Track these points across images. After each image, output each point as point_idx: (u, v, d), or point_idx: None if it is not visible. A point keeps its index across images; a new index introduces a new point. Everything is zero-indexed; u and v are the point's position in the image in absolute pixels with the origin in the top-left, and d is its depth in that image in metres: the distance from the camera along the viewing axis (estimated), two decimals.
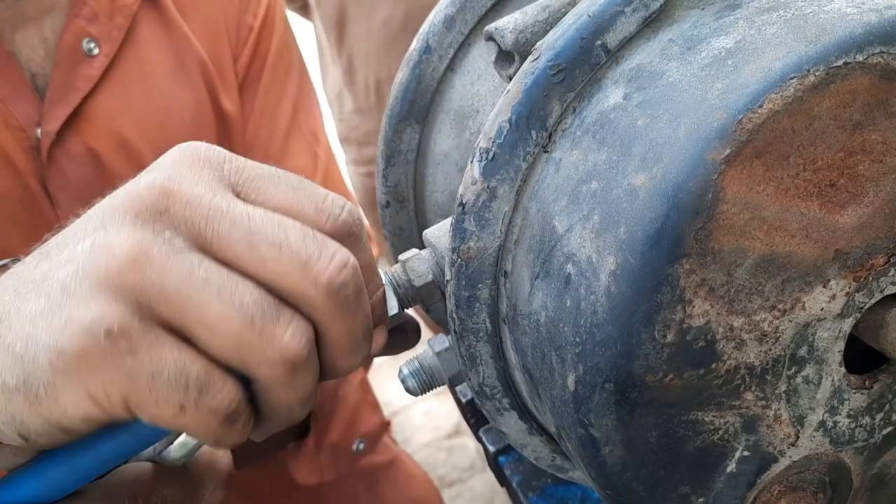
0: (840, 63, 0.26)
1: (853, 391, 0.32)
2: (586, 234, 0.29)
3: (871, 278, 0.30)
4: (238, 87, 0.73)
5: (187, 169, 0.30)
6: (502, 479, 0.51)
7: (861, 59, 0.26)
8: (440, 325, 0.50)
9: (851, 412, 0.32)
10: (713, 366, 0.29)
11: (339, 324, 0.30)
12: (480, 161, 0.33)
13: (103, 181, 0.66)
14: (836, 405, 0.32)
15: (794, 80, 0.26)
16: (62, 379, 0.27)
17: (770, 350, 0.29)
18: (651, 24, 0.32)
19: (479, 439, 0.53)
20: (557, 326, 0.30)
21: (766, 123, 0.26)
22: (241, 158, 0.32)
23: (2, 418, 0.28)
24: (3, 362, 0.27)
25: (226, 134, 0.71)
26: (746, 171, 0.26)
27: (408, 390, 0.43)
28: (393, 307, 0.37)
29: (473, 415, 0.54)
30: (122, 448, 0.31)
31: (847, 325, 0.30)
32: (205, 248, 0.28)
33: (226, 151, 0.32)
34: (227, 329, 0.27)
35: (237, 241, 0.28)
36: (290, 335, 0.28)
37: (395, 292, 0.38)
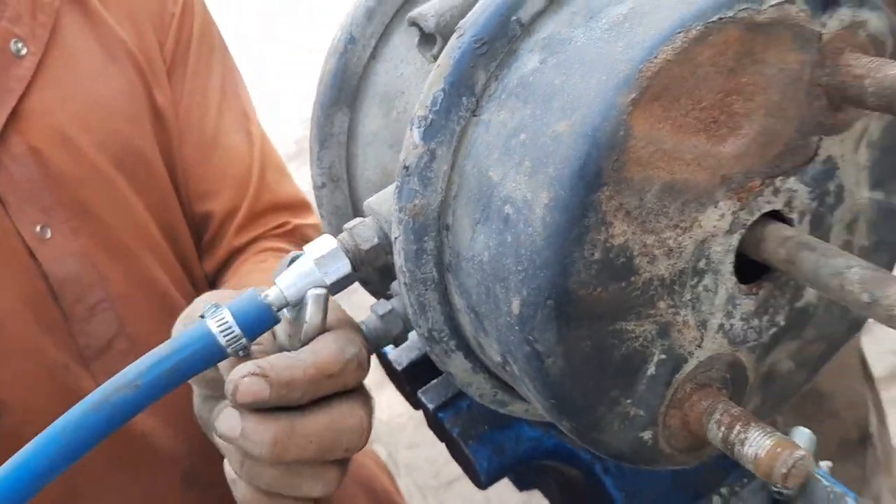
0: (715, 18, 0.32)
1: (743, 297, 0.38)
2: (520, 178, 0.34)
3: (750, 199, 0.36)
4: (166, 72, 0.75)
5: None
6: (443, 434, 0.56)
7: (731, 14, 0.33)
8: (375, 296, 0.54)
9: (743, 315, 0.39)
10: (632, 279, 0.34)
11: None
12: (419, 127, 0.37)
13: (49, 179, 0.67)
14: (730, 310, 0.38)
15: (680, 35, 0.32)
16: None
17: (676, 263, 0.35)
18: (556, 1, 0.38)
19: (418, 401, 0.57)
20: (500, 261, 0.35)
21: (661, 71, 0.32)
22: None
23: None
24: None
25: (159, 120, 0.73)
26: (648, 112, 0.32)
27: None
28: (346, 268, 0.41)
29: (409, 381, 0.58)
30: None
31: (735, 239, 0.37)
32: None
33: None
34: None
35: None
36: None
37: (346, 256, 0.41)
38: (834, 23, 0.35)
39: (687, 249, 0.35)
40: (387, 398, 2.16)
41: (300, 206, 0.85)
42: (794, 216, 0.38)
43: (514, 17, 0.37)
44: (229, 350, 0.39)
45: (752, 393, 0.42)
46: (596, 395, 0.37)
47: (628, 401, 0.38)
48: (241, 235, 0.78)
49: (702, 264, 0.36)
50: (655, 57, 0.32)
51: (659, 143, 0.33)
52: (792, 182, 0.37)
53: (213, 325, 0.39)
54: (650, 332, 0.36)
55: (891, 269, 0.41)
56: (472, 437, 0.53)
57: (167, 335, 0.47)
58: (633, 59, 0.32)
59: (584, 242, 0.33)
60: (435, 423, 0.56)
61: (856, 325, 0.44)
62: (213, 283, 0.80)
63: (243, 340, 0.40)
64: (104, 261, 0.69)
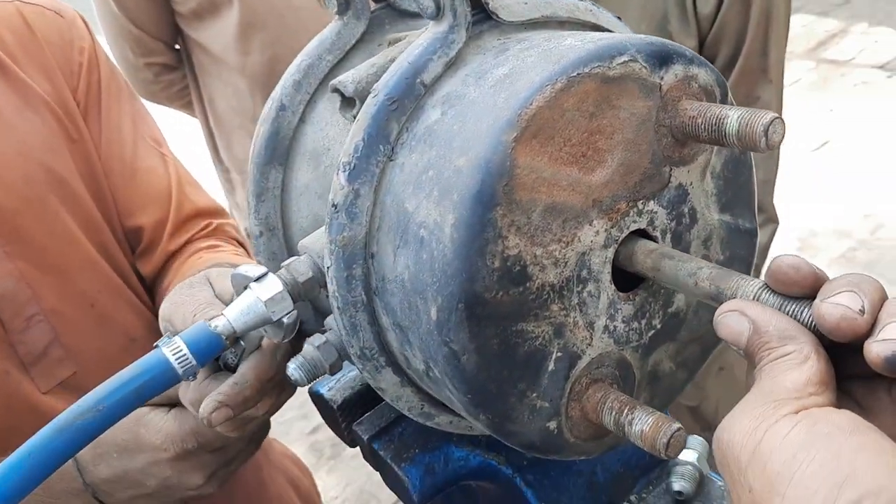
0: (575, 74, 0.41)
1: (623, 303, 0.46)
2: (430, 205, 0.42)
3: (619, 219, 0.44)
4: (82, 113, 0.84)
5: None
6: (377, 462, 0.61)
7: (587, 70, 0.41)
8: (302, 325, 0.59)
9: (624, 319, 0.46)
10: (527, 284, 0.42)
11: None
12: (345, 171, 0.44)
13: None
14: (613, 313, 0.46)
15: (548, 87, 0.40)
16: None
17: (562, 271, 0.43)
18: (452, 66, 0.46)
19: (354, 434, 0.62)
20: (419, 277, 0.42)
21: (535, 115, 0.40)
22: None
23: None
24: None
25: (78, 153, 0.82)
26: (529, 147, 0.40)
27: (296, 382, 0.52)
28: (289, 304, 0.47)
29: (343, 418, 0.64)
30: None
31: (610, 252, 0.45)
32: None
33: None
34: None
35: None
36: None
37: (286, 290, 0.48)
38: (670, 76, 0.44)
39: (571, 260, 0.43)
40: (322, 482, 2.15)
41: (217, 211, 0.97)
42: (658, 234, 0.46)
43: (418, 80, 0.45)
44: (182, 374, 0.45)
45: (641, 389, 0.49)
46: (506, 387, 0.43)
47: (534, 394, 0.44)
48: (174, 241, 0.89)
49: (584, 273, 0.44)
50: (531, 104, 0.40)
51: (539, 172, 0.41)
52: (652, 205, 0.45)
53: (168, 353, 0.45)
54: (548, 332, 0.44)
55: None
56: (404, 459, 0.58)
57: (99, 342, 0.60)
58: (514, 106, 0.40)
59: (485, 253, 0.40)
60: (370, 453, 0.61)
61: None
62: (152, 284, 0.91)
63: (194, 365, 0.45)
64: (37, 278, 0.77)
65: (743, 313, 0.38)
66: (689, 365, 0.52)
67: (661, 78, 0.44)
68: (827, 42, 4.30)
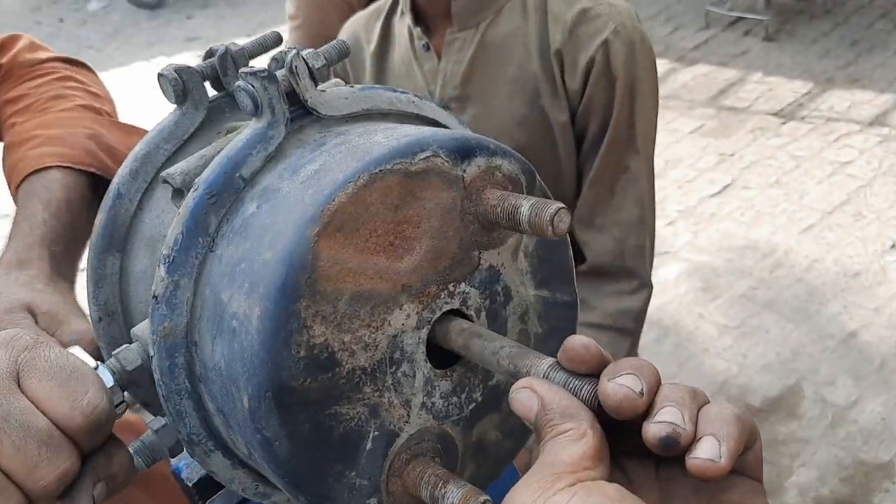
0: (377, 170, 0.44)
1: (440, 379, 0.49)
2: (241, 297, 0.43)
3: (430, 301, 0.47)
4: None
5: None
6: None
7: (389, 167, 0.44)
8: (147, 408, 0.60)
9: (443, 394, 0.49)
10: (336, 370, 0.44)
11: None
12: (165, 263, 0.46)
13: None
14: (430, 390, 0.48)
15: (350, 184, 0.43)
16: None
17: (374, 355, 0.45)
18: (272, 160, 0.48)
19: None
20: (232, 366, 0.44)
21: (338, 210, 0.43)
22: (40, 347, 0.44)
23: None
24: None
25: None
26: (332, 240, 0.43)
27: (137, 466, 0.53)
28: (114, 392, 0.48)
29: (200, 495, 0.64)
30: None
31: (424, 333, 0.47)
32: None
33: (32, 339, 0.44)
34: None
35: None
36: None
37: (113, 378, 0.48)
38: (473, 168, 0.47)
39: (382, 343, 0.45)
40: None
41: (76, 62, 1.03)
42: (472, 312, 0.49)
43: (237, 174, 0.47)
44: None
45: (467, 461, 0.52)
46: (322, 469, 0.45)
47: (352, 473, 0.46)
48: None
49: (397, 355, 0.46)
50: (333, 200, 0.43)
51: (343, 263, 0.43)
52: (463, 286, 0.48)
53: None
54: (363, 413, 0.46)
55: None
56: None
57: None
58: (318, 202, 0.43)
59: (290, 343, 0.42)
60: None
61: None
62: None
63: None
64: None
65: (533, 390, 0.41)
66: (515, 434, 0.54)
67: (464, 170, 0.47)
68: (727, 90, 4.53)
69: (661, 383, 0.40)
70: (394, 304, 0.45)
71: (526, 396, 0.41)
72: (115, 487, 0.49)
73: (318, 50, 0.52)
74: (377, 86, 0.54)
